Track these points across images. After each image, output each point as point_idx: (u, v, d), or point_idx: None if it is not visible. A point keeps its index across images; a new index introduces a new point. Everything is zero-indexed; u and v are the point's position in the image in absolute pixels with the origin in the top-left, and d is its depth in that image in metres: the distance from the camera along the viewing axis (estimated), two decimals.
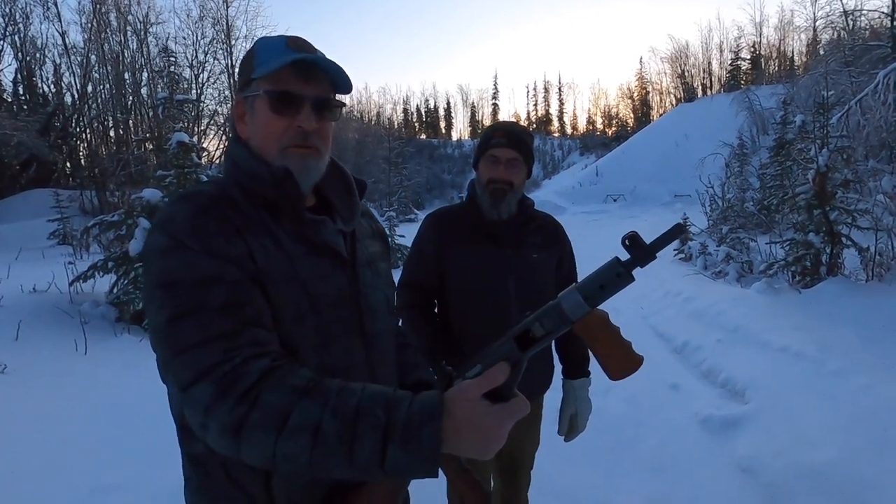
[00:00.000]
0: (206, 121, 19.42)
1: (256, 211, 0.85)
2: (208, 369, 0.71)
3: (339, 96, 0.93)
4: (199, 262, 0.76)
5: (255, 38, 0.94)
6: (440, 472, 0.74)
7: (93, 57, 17.28)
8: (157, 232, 0.79)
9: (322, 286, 0.87)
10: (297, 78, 0.86)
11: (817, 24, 20.26)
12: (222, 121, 18.98)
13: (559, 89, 69.33)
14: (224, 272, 0.76)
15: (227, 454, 0.73)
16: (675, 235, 0.69)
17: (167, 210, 0.81)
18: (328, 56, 0.89)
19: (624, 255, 0.71)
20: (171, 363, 0.74)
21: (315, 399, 0.69)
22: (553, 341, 1.79)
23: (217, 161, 16.10)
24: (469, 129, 70.73)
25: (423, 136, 63.50)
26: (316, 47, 0.91)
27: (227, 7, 20.95)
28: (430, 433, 0.66)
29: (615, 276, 0.70)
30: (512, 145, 1.68)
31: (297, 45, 0.88)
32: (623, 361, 0.77)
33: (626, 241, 0.69)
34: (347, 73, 0.90)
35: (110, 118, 17.89)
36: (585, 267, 1.10)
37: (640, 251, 0.69)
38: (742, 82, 35.86)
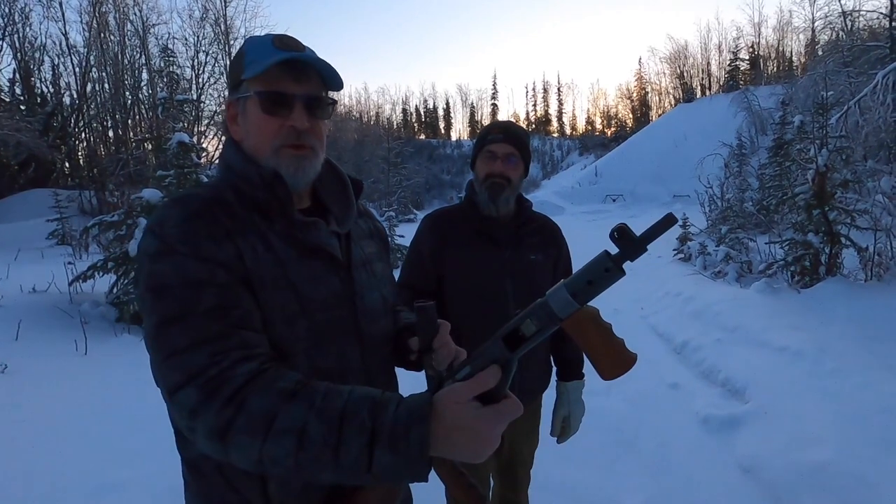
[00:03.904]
0: (205, 121, 19.43)
1: (248, 213, 0.85)
2: (195, 373, 0.71)
3: (330, 94, 0.93)
4: (188, 265, 0.76)
5: (251, 36, 0.94)
6: (437, 475, 0.74)
7: (92, 57, 17.29)
8: (148, 235, 0.80)
9: (314, 288, 0.86)
10: (287, 77, 0.86)
11: (816, 24, 20.26)
12: (222, 121, 18.97)
13: (558, 89, 69.57)
14: (213, 276, 0.76)
15: (217, 457, 0.73)
16: (666, 226, 0.64)
17: (159, 213, 0.81)
18: (325, 55, 0.89)
19: (615, 250, 0.67)
20: (160, 367, 0.75)
21: (301, 402, 0.69)
22: (548, 344, 1.82)
23: (215, 161, 16.08)
24: (468, 129, 70.84)
25: (423, 137, 63.59)
26: (305, 44, 0.90)
27: (226, 7, 20.97)
28: (417, 436, 0.65)
29: (604, 272, 0.65)
30: (509, 141, 1.69)
31: (284, 44, 0.87)
32: (615, 360, 0.73)
33: (615, 234, 0.64)
34: (337, 69, 0.90)
35: (109, 118, 17.89)
36: None
37: (630, 244, 0.64)
38: (741, 83, 35.89)
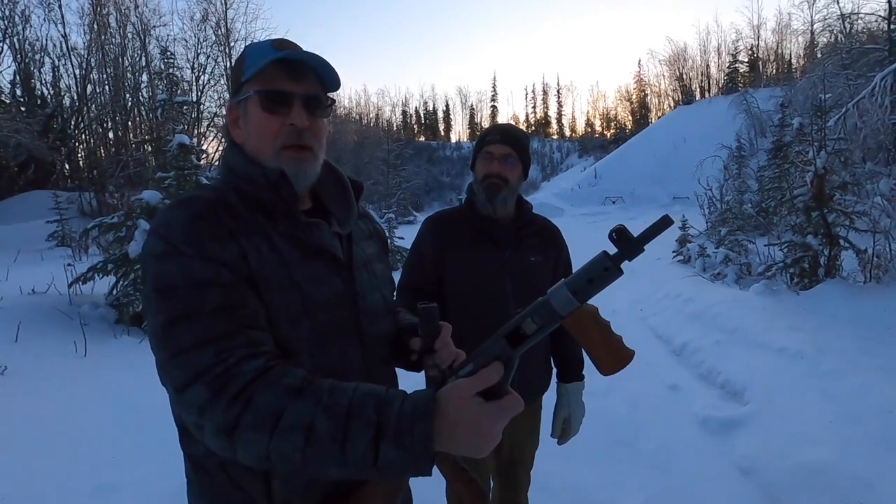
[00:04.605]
0: (205, 123, 19.46)
1: (252, 214, 0.86)
2: (202, 371, 0.72)
3: (329, 94, 0.95)
4: (194, 266, 0.77)
5: (252, 42, 0.96)
6: (438, 471, 0.75)
7: (92, 59, 17.30)
8: (153, 236, 0.81)
9: (317, 289, 0.88)
10: (285, 76, 0.88)
11: (815, 27, 20.35)
12: (222, 122, 19.02)
13: (558, 91, 69.43)
14: (218, 276, 0.77)
15: (224, 454, 0.73)
16: (662, 227, 0.67)
17: (164, 215, 0.83)
18: (325, 56, 0.91)
19: (613, 250, 0.70)
20: (167, 366, 0.75)
21: (308, 398, 0.70)
22: (548, 345, 1.82)
23: (216, 163, 16.12)
24: (468, 131, 70.79)
25: (422, 139, 63.50)
26: (303, 48, 0.92)
27: (227, 9, 21.00)
28: (422, 431, 0.66)
29: (603, 271, 0.69)
30: (507, 142, 1.71)
31: (282, 46, 0.90)
32: (614, 356, 0.76)
33: (614, 235, 0.68)
34: (335, 68, 0.91)
35: (109, 120, 17.91)
36: None
37: (628, 244, 0.68)
38: (740, 85, 35.92)
